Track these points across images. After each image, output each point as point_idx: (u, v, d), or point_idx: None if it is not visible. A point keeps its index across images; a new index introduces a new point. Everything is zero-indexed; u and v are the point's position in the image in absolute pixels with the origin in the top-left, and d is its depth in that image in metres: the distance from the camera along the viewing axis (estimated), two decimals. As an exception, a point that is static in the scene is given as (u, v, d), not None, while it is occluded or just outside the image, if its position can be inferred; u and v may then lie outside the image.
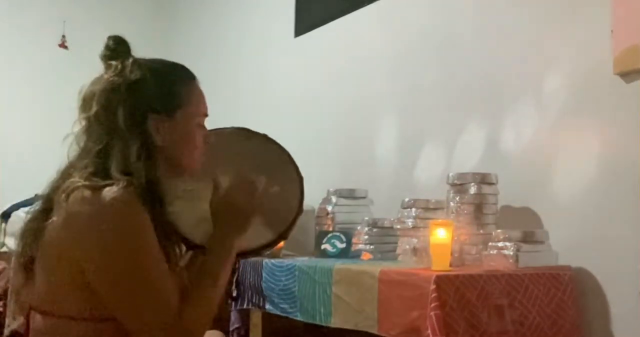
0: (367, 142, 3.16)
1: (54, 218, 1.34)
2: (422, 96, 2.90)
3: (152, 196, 1.36)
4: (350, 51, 3.36)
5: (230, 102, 4.26)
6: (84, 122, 1.41)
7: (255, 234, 1.57)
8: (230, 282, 1.60)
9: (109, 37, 1.46)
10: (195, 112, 1.49)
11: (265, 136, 1.70)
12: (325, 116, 3.48)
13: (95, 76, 1.44)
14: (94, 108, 1.39)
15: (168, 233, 1.41)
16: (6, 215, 3.40)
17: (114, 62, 1.43)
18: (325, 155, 3.42)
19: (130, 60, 1.44)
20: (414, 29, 2.99)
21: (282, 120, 3.78)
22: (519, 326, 1.97)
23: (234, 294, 1.64)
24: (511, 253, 2.10)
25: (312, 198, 3.12)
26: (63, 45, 4.48)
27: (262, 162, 1.61)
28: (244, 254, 1.60)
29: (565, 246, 2.22)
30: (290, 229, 1.63)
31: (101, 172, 1.35)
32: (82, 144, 1.41)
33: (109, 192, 1.30)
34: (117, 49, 1.44)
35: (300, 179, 1.67)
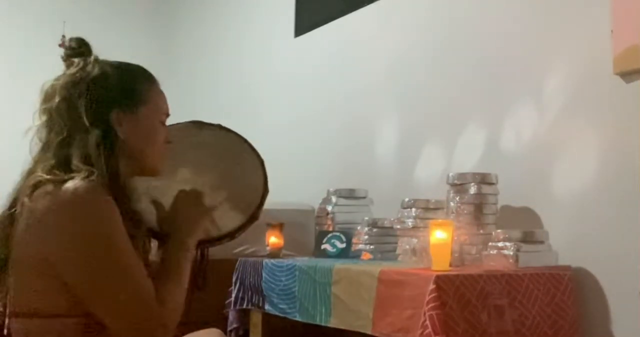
0: (367, 142, 3.16)
1: (20, 217, 1.34)
2: (422, 96, 2.90)
3: (115, 187, 1.37)
4: (350, 51, 3.37)
5: (230, 102, 4.26)
6: (44, 116, 1.42)
7: (227, 219, 1.62)
8: (199, 271, 1.62)
9: (70, 39, 1.51)
10: (157, 109, 1.52)
11: (219, 126, 1.74)
12: (325, 116, 3.48)
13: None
14: (56, 100, 1.41)
15: (136, 224, 1.42)
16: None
17: (76, 60, 1.46)
18: (325, 155, 3.42)
19: (92, 58, 1.47)
20: (414, 29, 2.99)
21: (282, 120, 3.78)
22: (519, 326, 1.97)
23: (201, 284, 1.65)
24: (511, 253, 2.10)
25: (312, 198, 3.14)
26: (63, 45, 4.48)
27: (220, 150, 1.66)
28: (219, 240, 1.64)
29: (565, 246, 2.22)
30: (259, 209, 1.68)
31: (63, 164, 1.36)
32: (43, 137, 1.42)
33: (71, 184, 1.30)
34: (78, 48, 1.48)
35: (260, 161, 1.72)
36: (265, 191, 1.69)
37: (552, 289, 2.07)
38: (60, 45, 4.90)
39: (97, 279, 1.31)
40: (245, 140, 1.74)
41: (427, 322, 1.83)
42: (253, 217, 1.67)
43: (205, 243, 1.62)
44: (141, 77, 1.52)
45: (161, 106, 1.53)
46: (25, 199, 1.33)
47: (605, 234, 2.14)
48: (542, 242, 2.21)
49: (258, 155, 1.72)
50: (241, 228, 1.66)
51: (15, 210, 1.36)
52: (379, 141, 3.11)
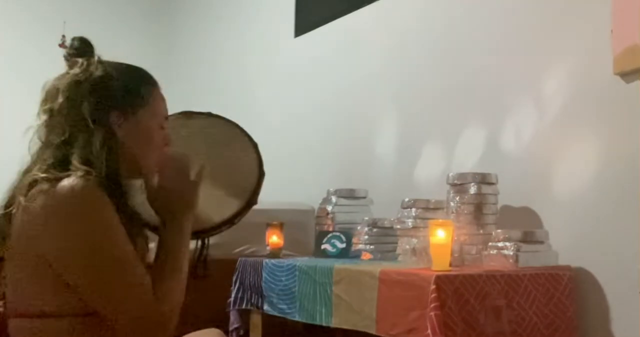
0: (367, 142, 3.16)
1: (16, 216, 1.34)
2: (422, 96, 2.90)
3: (113, 186, 1.37)
4: (350, 51, 3.37)
5: (230, 101, 4.26)
6: (45, 116, 1.42)
7: (225, 205, 1.60)
8: (198, 260, 1.61)
9: (74, 38, 1.50)
10: (156, 113, 1.51)
11: (209, 113, 1.73)
12: (325, 116, 3.48)
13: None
14: (58, 101, 1.41)
15: (133, 221, 1.42)
16: None
17: (79, 60, 1.46)
18: (325, 155, 3.42)
19: (96, 58, 1.47)
20: (413, 29, 2.99)
21: (282, 120, 3.78)
22: (516, 327, 1.98)
23: (200, 273, 1.63)
24: (511, 253, 2.10)
25: (312, 198, 3.14)
26: (63, 45, 4.47)
27: (212, 138, 1.63)
28: (219, 227, 1.61)
29: (565, 246, 2.22)
30: (256, 193, 1.64)
31: (61, 164, 1.36)
32: (43, 136, 1.42)
33: (67, 182, 1.31)
34: (82, 48, 1.48)
35: (254, 144, 1.69)
36: (260, 174, 1.66)
37: (551, 289, 2.07)
38: (60, 46, 4.92)
39: (95, 275, 1.31)
40: (237, 125, 1.71)
41: (427, 323, 1.83)
42: (251, 202, 1.64)
43: (205, 232, 1.60)
44: (143, 80, 1.52)
45: (160, 110, 1.53)
46: (21, 198, 1.33)
47: (605, 234, 2.14)
48: (542, 242, 2.21)
49: (250, 139, 1.70)
50: (239, 213, 1.63)
51: (12, 209, 1.36)
52: (379, 141, 3.11)
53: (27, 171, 1.40)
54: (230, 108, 4.30)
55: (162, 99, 1.54)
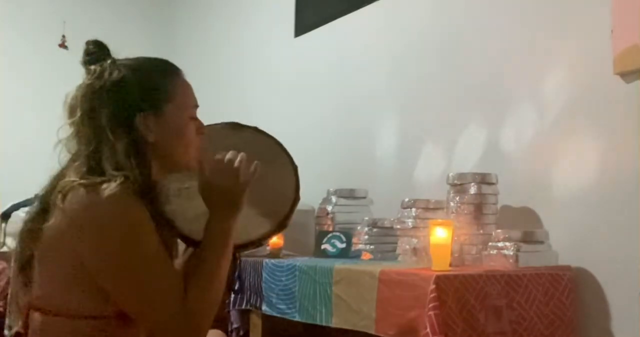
0: (367, 142, 3.16)
1: (52, 219, 1.34)
2: (422, 96, 2.90)
3: (148, 192, 1.37)
4: (350, 51, 3.36)
5: (230, 101, 4.26)
6: (71, 129, 1.41)
7: (255, 225, 1.57)
8: (232, 274, 1.59)
9: (87, 42, 1.47)
10: (184, 105, 1.47)
11: (255, 128, 1.71)
12: (325, 116, 3.48)
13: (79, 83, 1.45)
14: (79, 113, 1.39)
15: (166, 230, 1.42)
16: (6, 215, 3.40)
17: (92, 67, 1.43)
18: (325, 155, 3.42)
19: (109, 61, 1.43)
20: (414, 29, 2.99)
21: (282, 120, 3.78)
22: (516, 326, 1.98)
23: (236, 287, 1.61)
24: (511, 253, 2.10)
25: (312, 198, 3.13)
26: (63, 45, 4.48)
27: (255, 154, 1.61)
28: (245, 246, 1.59)
29: (565, 246, 2.22)
30: (289, 217, 1.61)
31: (95, 170, 1.35)
32: (72, 149, 1.42)
33: (106, 188, 1.30)
34: (96, 52, 1.44)
35: (294, 167, 1.67)
36: (296, 199, 1.64)
37: (551, 289, 2.07)
38: (60, 46, 4.90)
39: (128, 279, 1.32)
40: (281, 145, 1.69)
41: (427, 322, 1.83)
42: (281, 226, 1.61)
43: (234, 248, 1.59)
44: (162, 74, 1.46)
45: (188, 100, 1.48)
46: (58, 202, 1.33)
47: (605, 234, 2.14)
48: (542, 242, 2.21)
49: (292, 161, 1.68)
50: (268, 236, 1.62)
51: (47, 211, 1.36)
52: (379, 141, 3.11)
53: (61, 175, 1.40)
54: (229, 108, 4.32)
55: (187, 88, 1.49)
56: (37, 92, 4.44)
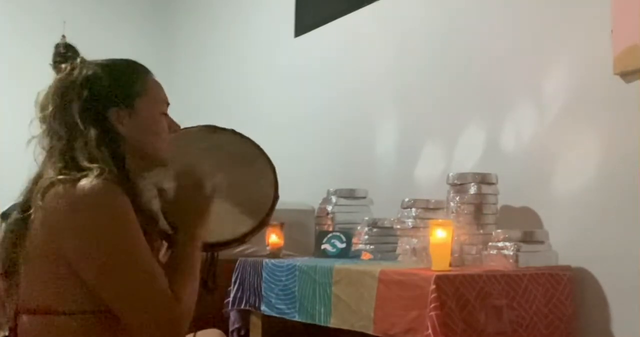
0: (367, 142, 3.16)
1: (34, 219, 1.35)
2: (422, 96, 2.90)
3: (127, 185, 1.37)
4: (350, 51, 3.36)
5: (230, 101, 4.26)
6: (43, 125, 1.43)
7: (237, 223, 1.61)
8: (208, 273, 1.62)
9: (57, 45, 1.51)
10: (155, 100, 1.50)
11: (232, 131, 1.74)
12: (325, 116, 3.48)
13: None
14: (49, 108, 1.41)
15: (149, 222, 1.42)
16: (6, 215, 3.40)
17: (63, 65, 1.45)
18: (325, 155, 3.42)
19: (79, 60, 1.46)
20: (413, 28, 2.99)
21: (282, 120, 3.78)
22: (516, 326, 1.98)
23: (211, 285, 1.64)
24: (511, 253, 2.10)
25: (312, 198, 3.13)
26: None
27: (232, 155, 1.65)
28: (227, 244, 1.63)
29: (565, 246, 2.22)
30: (269, 215, 1.67)
31: (72, 166, 1.36)
32: (46, 145, 1.43)
33: (85, 182, 1.31)
34: (65, 53, 1.49)
35: (272, 167, 1.71)
36: (275, 197, 1.68)
37: (550, 289, 2.07)
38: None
39: (114, 274, 1.32)
40: (258, 146, 1.73)
41: (427, 322, 1.83)
42: (262, 224, 1.66)
43: (213, 247, 1.61)
44: (132, 71, 1.50)
45: (158, 96, 1.51)
46: (39, 201, 1.33)
47: (605, 234, 2.14)
48: (542, 242, 2.21)
49: (270, 161, 1.72)
50: (250, 233, 1.65)
51: (30, 213, 1.36)
52: (379, 141, 3.11)
53: (38, 177, 1.41)
54: (230, 108, 4.32)
55: (158, 86, 1.52)
56: (37, 92, 4.45)
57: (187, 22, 4.97)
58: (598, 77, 2.19)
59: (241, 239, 1.65)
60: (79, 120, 1.39)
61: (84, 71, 1.44)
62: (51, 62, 1.49)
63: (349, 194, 2.94)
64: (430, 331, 1.81)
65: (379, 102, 3.14)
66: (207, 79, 4.60)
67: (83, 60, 1.46)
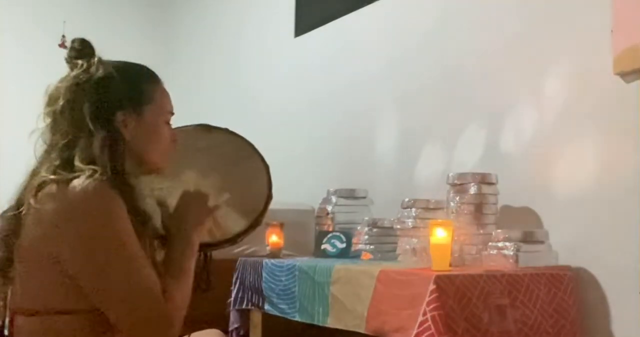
0: (367, 142, 3.16)
1: (26, 216, 1.35)
2: (422, 96, 2.90)
3: (122, 186, 1.37)
4: (350, 51, 3.36)
5: (230, 102, 4.26)
6: (49, 118, 1.43)
7: (230, 222, 1.62)
8: (202, 273, 1.63)
9: (74, 40, 1.50)
10: (162, 108, 1.52)
11: (226, 130, 1.75)
12: (325, 116, 3.48)
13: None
14: (60, 103, 1.41)
15: (142, 223, 1.42)
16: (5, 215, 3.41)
17: (79, 61, 1.45)
18: (325, 155, 3.42)
19: (96, 59, 1.46)
20: (414, 29, 2.99)
21: (282, 120, 3.78)
22: (522, 325, 1.97)
23: (204, 286, 1.65)
24: (511, 253, 2.10)
25: (312, 198, 3.13)
26: (63, 45, 4.47)
27: (226, 154, 1.66)
28: (220, 244, 1.64)
29: (565, 246, 2.22)
30: (262, 215, 1.68)
31: (67, 165, 1.36)
32: (47, 139, 1.43)
33: (77, 183, 1.31)
34: (82, 50, 1.47)
35: (266, 167, 1.72)
36: (269, 197, 1.69)
37: (552, 288, 2.07)
38: (60, 46, 4.90)
39: (106, 275, 1.32)
40: (252, 145, 1.74)
41: (430, 323, 1.82)
42: (255, 223, 1.67)
43: (206, 246, 1.62)
44: (145, 77, 1.52)
45: (165, 105, 1.54)
46: (31, 200, 1.34)
47: (605, 234, 2.14)
48: (542, 242, 2.21)
49: (263, 160, 1.73)
50: (243, 233, 1.66)
51: (22, 210, 1.36)
52: (379, 141, 3.11)
53: (34, 173, 1.41)
54: (230, 108, 4.32)
55: (166, 95, 1.55)
56: (37, 92, 4.46)
57: (186, 22, 4.97)
58: (598, 77, 2.19)
59: (234, 239, 1.66)
60: (89, 121, 1.39)
61: (100, 71, 1.44)
62: (66, 57, 1.48)
63: (349, 194, 2.94)
64: (433, 330, 1.81)
65: (379, 102, 3.14)
66: (206, 78, 4.60)
67: (100, 60, 1.46)
